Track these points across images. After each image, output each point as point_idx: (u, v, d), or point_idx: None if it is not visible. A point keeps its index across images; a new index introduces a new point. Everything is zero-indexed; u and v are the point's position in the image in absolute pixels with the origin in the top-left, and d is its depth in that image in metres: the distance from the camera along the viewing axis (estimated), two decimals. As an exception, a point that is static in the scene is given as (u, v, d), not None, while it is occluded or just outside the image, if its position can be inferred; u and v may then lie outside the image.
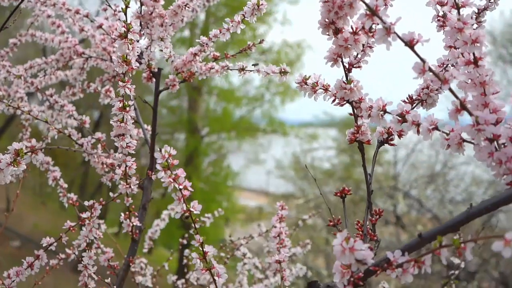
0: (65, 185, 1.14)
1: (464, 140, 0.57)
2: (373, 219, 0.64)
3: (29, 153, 0.68)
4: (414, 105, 0.72)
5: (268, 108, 11.35)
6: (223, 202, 10.49)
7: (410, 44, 0.53)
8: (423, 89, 0.72)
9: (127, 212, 0.99)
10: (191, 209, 0.65)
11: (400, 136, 0.71)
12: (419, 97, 0.72)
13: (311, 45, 10.02)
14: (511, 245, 0.42)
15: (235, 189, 11.24)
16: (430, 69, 0.53)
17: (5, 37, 1.34)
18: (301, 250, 1.46)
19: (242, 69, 0.97)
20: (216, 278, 0.67)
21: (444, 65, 0.74)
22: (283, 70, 0.86)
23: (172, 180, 0.64)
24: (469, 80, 0.59)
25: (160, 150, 0.64)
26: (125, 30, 0.71)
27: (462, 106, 0.54)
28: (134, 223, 1.00)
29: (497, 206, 0.51)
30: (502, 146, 0.54)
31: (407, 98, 0.73)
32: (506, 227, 5.59)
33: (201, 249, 0.68)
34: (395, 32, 0.52)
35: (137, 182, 0.95)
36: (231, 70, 0.99)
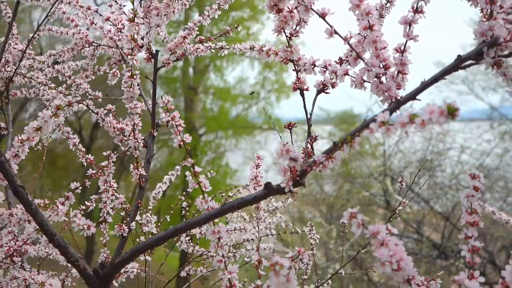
0: (83, 149, 1.41)
1: (364, 81, 0.85)
2: (311, 142, 0.92)
3: (66, 107, 0.95)
4: (342, 64, 0.99)
5: (264, 105, 11.63)
6: (223, 200, 10.72)
7: (322, 16, 0.80)
8: (349, 52, 1.00)
9: (135, 164, 1.27)
10: (184, 139, 0.93)
11: (333, 86, 0.98)
12: (346, 58, 1.00)
13: (304, 42, 10.32)
14: (374, 132, 0.69)
15: (234, 187, 11.44)
16: (335, 32, 0.80)
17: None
18: (281, 204, 1.74)
19: (221, 48, 1.25)
20: (203, 189, 0.95)
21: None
22: (251, 46, 1.13)
23: (170, 119, 0.92)
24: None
25: (162, 97, 0.91)
26: (133, 15, 0.98)
27: (357, 56, 0.81)
28: (141, 172, 1.27)
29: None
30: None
31: (338, 59, 1.00)
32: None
33: (192, 169, 0.95)
34: (311, 8, 0.80)
35: (143, 138, 1.22)
36: (213, 49, 1.26)
